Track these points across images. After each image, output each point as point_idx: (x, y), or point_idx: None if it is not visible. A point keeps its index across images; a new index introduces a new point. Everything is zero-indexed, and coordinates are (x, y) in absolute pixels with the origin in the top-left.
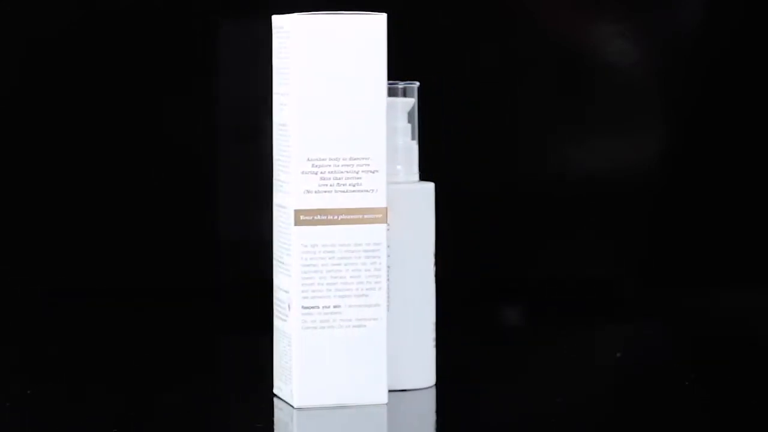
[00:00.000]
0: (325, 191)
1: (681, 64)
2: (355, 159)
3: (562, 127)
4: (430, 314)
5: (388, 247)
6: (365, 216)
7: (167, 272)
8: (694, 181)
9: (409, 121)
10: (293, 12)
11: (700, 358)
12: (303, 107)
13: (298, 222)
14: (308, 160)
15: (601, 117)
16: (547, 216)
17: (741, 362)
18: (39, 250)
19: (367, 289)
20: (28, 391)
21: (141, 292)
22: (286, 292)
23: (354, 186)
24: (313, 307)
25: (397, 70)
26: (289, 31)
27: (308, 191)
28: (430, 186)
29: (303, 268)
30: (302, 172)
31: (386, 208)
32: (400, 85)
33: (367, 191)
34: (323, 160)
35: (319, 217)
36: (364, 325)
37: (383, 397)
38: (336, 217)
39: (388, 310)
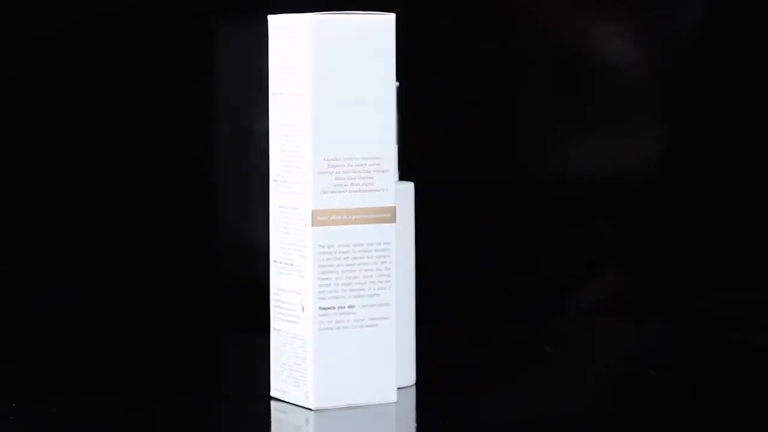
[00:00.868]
0: (340, 191)
1: (681, 64)
2: (367, 159)
3: (562, 127)
4: (411, 313)
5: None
6: (376, 216)
7: (165, 272)
8: (694, 181)
9: None
10: (292, 12)
11: (699, 358)
12: (318, 107)
13: (315, 222)
14: (324, 160)
15: (601, 117)
16: (547, 216)
17: (741, 362)
18: (39, 249)
19: (378, 289)
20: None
21: (139, 293)
22: (299, 293)
23: (366, 186)
24: (329, 308)
25: (398, 70)
26: (295, 31)
27: (324, 191)
28: (409, 186)
29: (320, 269)
30: (319, 173)
31: (395, 207)
32: None
33: (378, 191)
34: (338, 160)
35: (334, 217)
36: (376, 325)
37: (393, 396)
38: (350, 217)
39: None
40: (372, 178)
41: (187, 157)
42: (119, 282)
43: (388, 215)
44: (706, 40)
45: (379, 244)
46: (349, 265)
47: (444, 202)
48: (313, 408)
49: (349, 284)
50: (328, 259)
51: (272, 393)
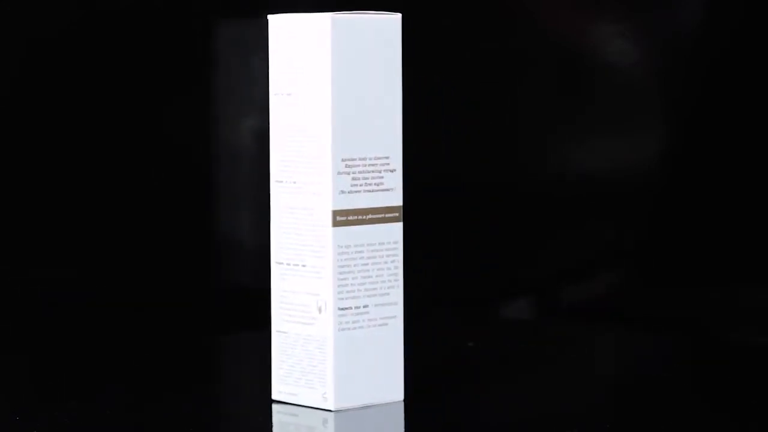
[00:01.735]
0: (356, 191)
1: (681, 64)
2: (378, 158)
3: (562, 127)
4: None
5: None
6: (387, 215)
7: (166, 273)
8: (694, 181)
9: None
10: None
11: (699, 358)
12: (337, 107)
13: (335, 223)
14: (342, 160)
15: (601, 117)
16: (546, 216)
17: (741, 362)
18: (38, 249)
19: (388, 288)
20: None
21: (139, 294)
22: (316, 295)
23: (377, 185)
24: (347, 308)
25: None
26: (310, 30)
27: (342, 192)
28: None
29: (339, 269)
30: (338, 173)
31: (401, 206)
32: None
33: (387, 190)
34: (354, 160)
35: (351, 217)
36: (387, 324)
37: (401, 394)
38: (365, 217)
39: None
40: (382, 177)
41: (186, 158)
42: (117, 284)
43: (397, 214)
44: (706, 40)
45: (389, 243)
46: (364, 265)
47: (444, 202)
48: (333, 409)
49: (363, 284)
50: (346, 260)
51: (275, 396)
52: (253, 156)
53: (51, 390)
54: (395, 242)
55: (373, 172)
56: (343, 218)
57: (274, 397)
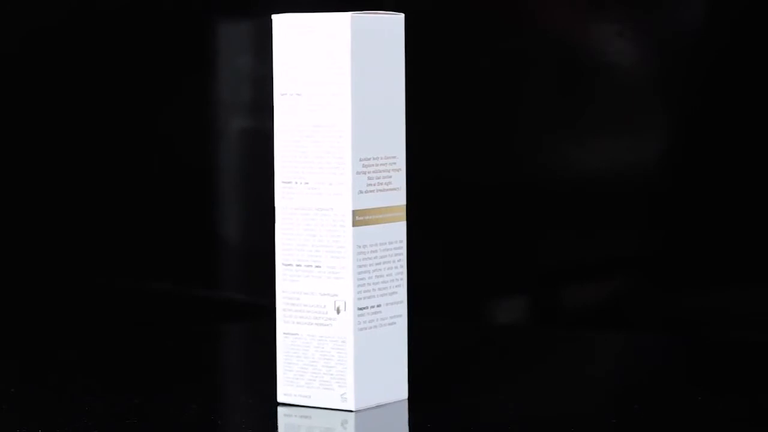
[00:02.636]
0: (371, 191)
1: (681, 64)
2: (388, 158)
3: (562, 127)
4: None
5: None
6: (394, 214)
7: (167, 274)
8: (694, 181)
9: None
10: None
11: (699, 358)
12: (356, 107)
13: (355, 223)
14: (360, 160)
15: (601, 117)
16: (546, 216)
17: (741, 362)
18: (45, 246)
19: (396, 287)
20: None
21: (140, 295)
22: (334, 295)
23: (387, 185)
24: (364, 308)
25: None
26: (325, 30)
27: (360, 192)
28: None
29: (358, 269)
30: (357, 173)
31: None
32: None
33: (395, 189)
34: (369, 159)
35: (367, 217)
36: (395, 323)
37: (405, 393)
38: (378, 216)
39: None
40: (390, 177)
41: (186, 158)
42: (120, 282)
43: (402, 213)
44: (706, 40)
45: (396, 242)
46: (377, 264)
47: (444, 202)
48: (354, 409)
49: (377, 283)
50: (363, 260)
51: (282, 399)
52: (241, 156)
53: (50, 390)
54: (400, 241)
55: (383, 171)
56: (360, 218)
57: (280, 399)
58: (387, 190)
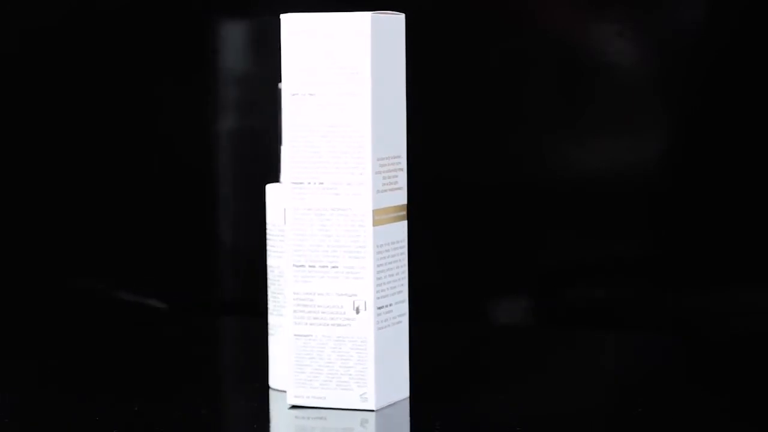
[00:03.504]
0: (385, 191)
1: (681, 64)
2: (395, 157)
3: (562, 127)
4: None
5: None
6: (399, 213)
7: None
8: (694, 181)
9: None
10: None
11: (699, 358)
12: (375, 107)
13: (375, 222)
14: (378, 160)
15: (601, 117)
16: (546, 216)
17: (740, 362)
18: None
19: (401, 286)
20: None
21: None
22: (353, 295)
23: (394, 184)
24: (381, 308)
25: None
26: (343, 29)
27: (378, 191)
28: None
29: (378, 268)
30: (375, 173)
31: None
32: None
33: (399, 189)
34: (383, 159)
35: (383, 216)
36: (401, 321)
37: (407, 392)
38: (389, 216)
39: None
40: (396, 176)
41: (186, 160)
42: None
43: (404, 213)
44: (706, 40)
45: (400, 241)
46: (389, 263)
47: (443, 202)
48: (375, 408)
49: (389, 282)
50: (381, 259)
51: (292, 401)
52: (230, 157)
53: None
54: (404, 240)
55: (392, 171)
56: (379, 218)
57: (290, 402)
58: (395, 189)
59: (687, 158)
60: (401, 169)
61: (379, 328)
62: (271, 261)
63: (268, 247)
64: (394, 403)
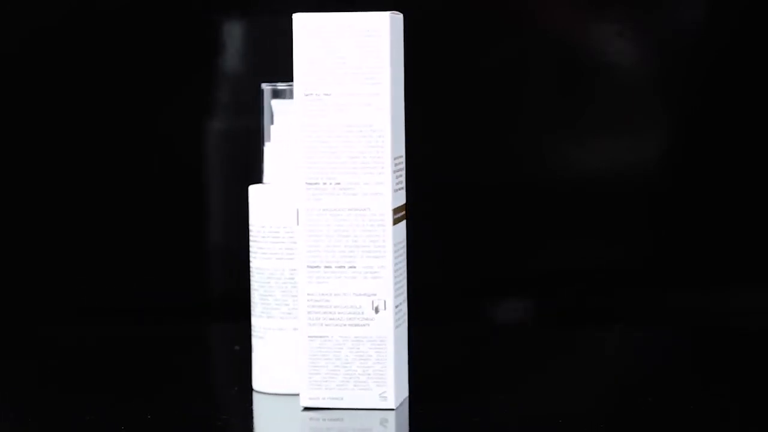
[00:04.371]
0: (397, 190)
1: (681, 64)
2: (400, 157)
3: (562, 127)
4: None
5: None
6: (404, 213)
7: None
8: (694, 181)
9: None
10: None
11: (699, 358)
12: (393, 107)
13: (394, 222)
14: (394, 159)
15: (601, 117)
16: (546, 216)
17: (740, 362)
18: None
19: (404, 285)
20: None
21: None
22: (372, 295)
23: (400, 184)
24: (397, 307)
25: None
26: (361, 29)
27: (395, 190)
28: None
29: (395, 267)
30: (393, 172)
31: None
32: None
33: (403, 189)
34: (396, 159)
35: (397, 216)
36: (405, 321)
37: (407, 391)
38: (400, 215)
39: None
40: (401, 176)
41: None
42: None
43: (405, 212)
44: (706, 40)
45: (404, 241)
46: (400, 263)
47: (443, 202)
48: (394, 407)
49: (400, 282)
50: (397, 257)
51: (306, 404)
52: (221, 157)
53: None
54: (404, 240)
55: (399, 170)
56: (395, 217)
57: (303, 404)
58: (400, 189)
59: (687, 158)
60: (403, 169)
61: (396, 327)
62: (258, 263)
63: (255, 249)
64: (402, 403)
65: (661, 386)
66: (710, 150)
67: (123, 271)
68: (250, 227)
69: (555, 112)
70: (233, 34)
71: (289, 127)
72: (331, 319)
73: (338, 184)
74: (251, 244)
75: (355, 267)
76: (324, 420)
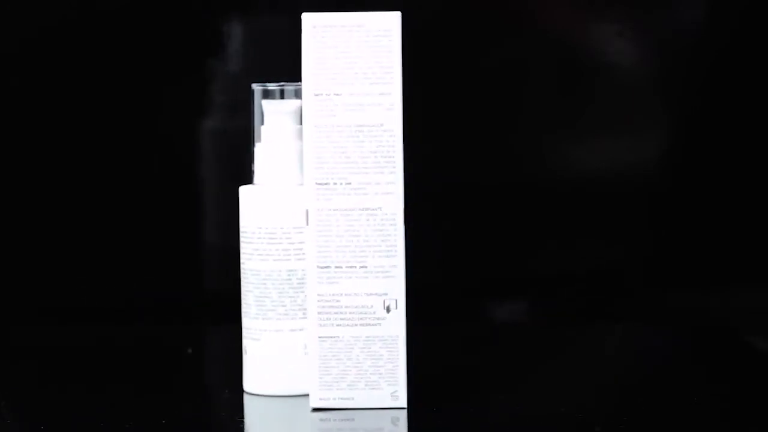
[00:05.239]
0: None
1: (681, 64)
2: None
3: (562, 127)
4: None
5: None
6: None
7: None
8: (694, 181)
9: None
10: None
11: (699, 358)
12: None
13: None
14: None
15: (601, 117)
16: (547, 216)
17: (740, 362)
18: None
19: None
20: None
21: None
22: (383, 294)
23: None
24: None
25: None
26: (372, 28)
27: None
28: None
29: (405, 266)
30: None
31: None
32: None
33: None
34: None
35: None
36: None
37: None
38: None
39: None
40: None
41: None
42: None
43: None
44: (706, 40)
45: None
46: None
47: (444, 202)
48: (405, 406)
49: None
50: (406, 257)
51: (316, 404)
52: (215, 158)
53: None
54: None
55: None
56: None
57: (313, 405)
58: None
59: (687, 158)
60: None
61: (405, 326)
62: (253, 265)
63: (250, 251)
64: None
65: (661, 386)
66: (710, 150)
67: (118, 271)
68: (242, 229)
69: (555, 112)
70: (230, 34)
71: (281, 127)
72: (342, 319)
73: (349, 184)
74: (244, 245)
75: (366, 267)
76: (333, 420)
